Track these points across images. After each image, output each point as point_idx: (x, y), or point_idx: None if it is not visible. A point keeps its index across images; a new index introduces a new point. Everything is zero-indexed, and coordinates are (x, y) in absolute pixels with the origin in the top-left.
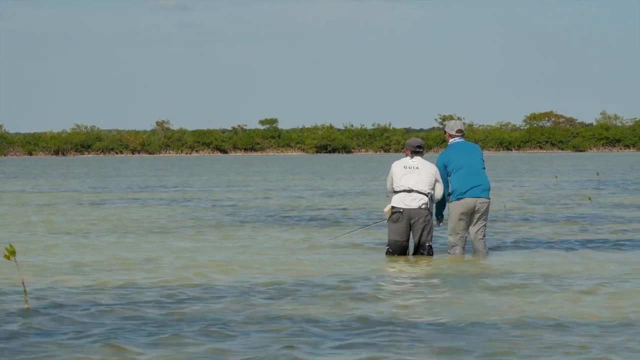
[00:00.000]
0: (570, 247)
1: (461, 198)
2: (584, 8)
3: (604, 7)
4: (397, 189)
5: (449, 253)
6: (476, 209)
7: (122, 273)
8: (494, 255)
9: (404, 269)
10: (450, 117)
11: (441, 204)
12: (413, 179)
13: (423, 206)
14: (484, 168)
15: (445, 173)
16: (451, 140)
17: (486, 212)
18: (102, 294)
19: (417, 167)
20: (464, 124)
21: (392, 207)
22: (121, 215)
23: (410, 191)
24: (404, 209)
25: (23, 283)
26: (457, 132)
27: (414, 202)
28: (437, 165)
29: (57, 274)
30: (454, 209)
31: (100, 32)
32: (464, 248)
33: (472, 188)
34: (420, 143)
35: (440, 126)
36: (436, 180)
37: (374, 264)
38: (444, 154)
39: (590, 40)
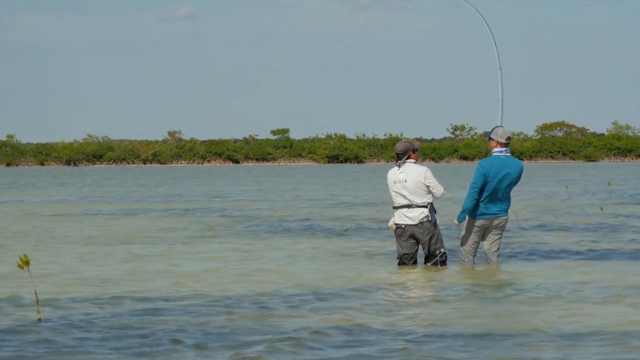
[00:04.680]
0: (583, 257)
1: (479, 218)
2: (595, 18)
3: (615, 17)
4: (396, 204)
5: (462, 260)
6: (493, 224)
7: (137, 284)
8: (506, 266)
9: (414, 279)
10: (462, 127)
11: (464, 208)
12: (406, 193)
13: (424, 219)
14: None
15: (482, 181)
16: (495, 150)
17: (503, 228)
18: (116, 305)
19: (406, 180)
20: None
21: (396, 224)
22: (138, 225)
23: (409, 206)
24: (405, 225)
25: (36, 293)
26: (506, 140)
27: (415, 216)
28: (476, 175)
29: (70, 284)
30: (471, 223)
31: (111, 41)
32: (474, 257)
33: (492, 210)
34: (402, 149)
35: (452, 136)
36: (428, 184)
37: (386, 274)
38: (486, 164)
39: (601, 49)
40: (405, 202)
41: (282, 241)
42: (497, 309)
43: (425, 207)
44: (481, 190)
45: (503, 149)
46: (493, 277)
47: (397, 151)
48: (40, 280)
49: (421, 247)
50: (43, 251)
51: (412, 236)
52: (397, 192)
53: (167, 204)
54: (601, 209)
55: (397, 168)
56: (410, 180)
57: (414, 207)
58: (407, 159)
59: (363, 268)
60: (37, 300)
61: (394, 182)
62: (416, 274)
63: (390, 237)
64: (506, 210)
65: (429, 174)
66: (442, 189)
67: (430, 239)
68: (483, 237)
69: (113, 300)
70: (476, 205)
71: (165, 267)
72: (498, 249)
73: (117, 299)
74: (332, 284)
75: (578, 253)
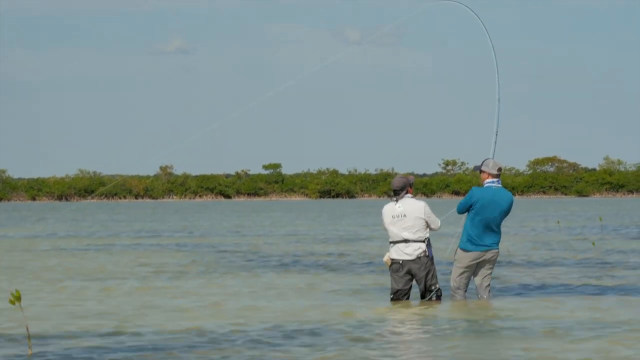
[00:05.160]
0: (574, 292)
1: (471, 250)
2: (586, 52)
3: (607, 52)
4: (392, 239)
5: (453, 295)
6: (484, 258)
7: (129, 319)
8: (497, 301)
9: (408, 315)
10: (454, 162)
11: (460, 209)
12: (404, 228)
13: (422, 254)
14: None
15: (469, 205)
16: (487, 181)
17: (494, 261)
18: (107, 340)
19: (405, 215)
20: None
21: (392, 259)
22: (131, 260)
23: (407, 241)
24: (402, 261)
25: (27, 328)
26: (498, 170)
27: (412, 252)
28: (467, 197)
29: (62, 319)
30: (462, 256)
31: (102, 77)
32: (465, 292)
33: (484, 241)
34: (401, 185)
35: (444, 171)
36: (427, 218)
37: (379, 309)
38: (476, 193)
39: (593, 85)
40: (402, 237)
41: (273, 276)
42: (490, 345)
43: (423, 241)
44: (474, 220)
45: (495, 180)
46: (485, 312)
47: (394, 187)
48: (32, 315)
49: (416, 282)
50: (33, 286)
51: (409, 272)
52: (394, 227)
53: (159, 239)
54: (593, 244)
55: (395, 203)
56: (409, 215)
57: (411, 242)
58: (405, 194)
59: (355, 304)
60: (29, 336)
61: (392, 217)
62: (410, 310)
63: (382, 272)
64: (498, 244)
65: (428, 208)
66: (439, 221)
67: (427, 274)
68: (474, 272)
69: (104, 335)
70: (469, 237)
71: (160, 302)
72: (489, 284)
73: (107, 334)
74: (325, 319)
75: (569, 288)
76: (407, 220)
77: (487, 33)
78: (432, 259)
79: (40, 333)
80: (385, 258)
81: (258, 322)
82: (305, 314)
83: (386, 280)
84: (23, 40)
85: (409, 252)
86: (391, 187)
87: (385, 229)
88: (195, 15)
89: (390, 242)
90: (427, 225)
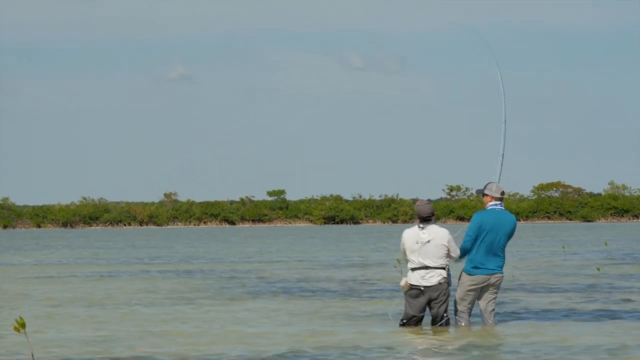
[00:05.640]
0: (579, 318)
1: (475, 274)
2: (591, 78)
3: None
4: (414, 266)
5: (458, 320)
6: (489, 282)
7: (136, 346)
8: (502, 327)
9: (417, 340)
10: (458, 188)
11: (466, 256)
12: (427, 254)
13: (442, 280)
14: (507, 241)
15: (476, 232)
16: (491, 204)
17: (498, 286)
18: None
19: (429, 241)
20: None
21: (412, 285)
22: (138, 286)
23: (428, 267)
24: (423, 287)
25: (32, 356)
26: (501, 194)
27: (433, 278)
28: (471, 225)
29: (67, 347)
30: (466, 280)
31: (106, 104)
32: (470, 316)
33: (489, 265)
34: (430, 212)
35: (448, 196)
36: (450, 246)
37: (390, 334)
38: (480, 217)
39: (597, 110)
40: (424, 263)
41: (280, 303)
42: None
43: (443, 268)
44: (478, 244)
45: (498, 202)
46: (491, 338)
47: (425, 214)
48: (36, 342)
49: (429, 307)
50: (37, 313)
51: (427, 298)
52: (416, 253)
53: (167, 265)
54: (598, 269)
55: (420, 228)
56: (432, 242)
57: (432, 269)
58: (430, 222)
59: (364, 329)
60: None
61: (415, 242)
62: (419, 335)
63: (391, 296)
64: (502, 268)
65: (451, 236)
66: (459, 250)
67: (444, 301)
68: (479, 296)
69: None
70: (473, 260)
71: (165, 327)
72: (494, 308)
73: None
74: (335, 345)
75: (575, 313)
76: (430, 247)
77: (493, 53)
78: (450, 283)
79: None
80: (403, 283)
81: (269, 346)
82: (314, 340)
83: (395, 306)
84: (28, 69)
85: (429, 278)
86: (419, 213)
87: (404, 254)
88: (199, 42)
89: (411, 268)
90: (448, 254)
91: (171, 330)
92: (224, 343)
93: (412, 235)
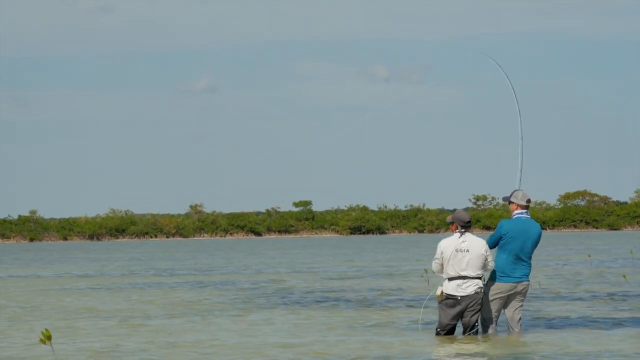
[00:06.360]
0: (606, 326)
1: (502, 281)
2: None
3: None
4: (451, 275)
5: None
6: (516, 290)
7: (162, 357)
8: (528, 336)
9: (449, 349)
10: (484, 197)
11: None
12: (466, 264)
13: (479, 290)
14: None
15: (498, 239)
16: (517, 212)
17: (525, 294)
18: None
19: (468, 250)
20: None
21: (448, 295)
22: (156, 297)
23: (465, 277)
24: (460, 297)
25: None
26: (527, 202)
27: (470, 288)
28: (496, 232)
29: (90, 358)
30: (493, 288)
31: (132, 116)
32: (496, 325)
33: (515, 273)
34: (469, 218)
35: (474, 206)
36: (488, 256)
37: (427, 344)
38: (506, 225)
39: (624, 118)
40: (462, 273)
41: (313, 312)
42: None
43: (480, 278)
44: (505, 252)
45: (524, 211)
46: (518, 347)
47: (465, 220)
48: (64, 353)
49: (462, 316)
50: (68, 326)
51: (463, 308)
52: (454, 262)
53: (193, 277)
54: (624, 277)
55: (459, 237)
56: (471, 251)
57: (470, 279)
58: (469, 229)
59: (392, 340)
60: None
61: (455, 251)
62: (447, 344)
63: (418, 306)
64: (528, 276)
65: (487, 246)
66: (493, 264)
67: (477, 311)
68: (505, 305)
69: None
70: (500, 268)
71: (190, 339)
72: (521, 317)
73: None
74: (363, 356)
75: (601, 321)
76: (469, 256)
77: (509, 80)
78: (485, 292)
79: None
80: (438, 292)
81: (302, 357)
82: (348, 349)
83: (430, 315)
84: (52, 81)
85: (467, 288)
86: (460, 219)
87: (439, 263)
88: (223, 53)
89: (447, 278)
90: (485, 264)
91: (196, 340)
92: (241, 355)
93: (452, 243)
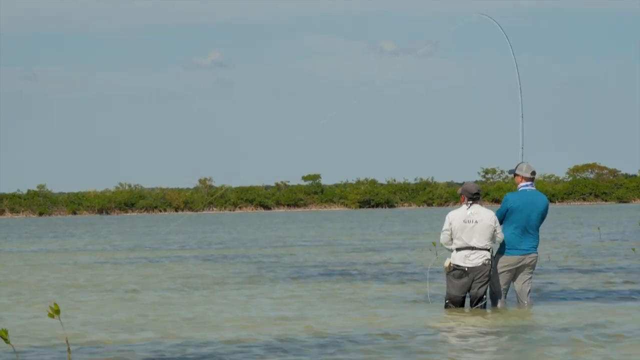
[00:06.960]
0: (615, 298)
1: (510, 254)
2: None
3: None
4: (459, 246)
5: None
6: (524, 263)
7: (170, 331)
8: (537, 307)
9: (457, 322)
10: (493, 171)
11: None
12: (474, 234)
13: (486, 262)
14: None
15: (504, 213)
16: (522, 184)
17: (533, 266)
18: (149, 352)
19: (477, 221)
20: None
21: (455, 266)
22: (165, 272)
23: (473, 248)
24: (468, 268)
25: (67, 341)
26: (531, 174)
27: (477, 259)
28: (502, 206)
29: (102, 332)
30: (501, 261)
31: (141, 90)
32: (505, 298)
33: (523, 246)
34: (479, 189)
35: (483, 179)
36: (496, 227)
37: (435, 317)
38: (512, 198)
39: (632, 91)
40: (470, 244)
41: (321, 285)
42: (538, 352)
43: (488, 250)
44: (511, 224)
45: (528, 183)
46: (527, 319)
47: (475, 191)
48: (73, 327)
49: (470, 288)
50: (77, 300)
51: (470, 279)
52: (463, 233)
53: (200, 250)
54: (633, 249)
55: (467, 208)
56: (480, 222)
57: (477, 250)
58: (477, 201)
59: (401, 312)
60: (69, 349)
61: (464, 222)
62: (456, 317)
63: (429, 279)
64: (536, 248)
65: (496, 217)
66: (502, 236)
67: (485, 283)
68: (514, 277)
69: (141, 346)
70: (507, 241)
71: (197, 313)
72: (530, 289)
73: (151, 345)
74: (375, 329)
75: (611, 294)
76: (478, 227)
77: (513, 55)
78: (492, 265)
79: (80, 345)
80: (447, 263)
81: (314, 333)
82: (358, 322)
83: (440, 290)
84: (62, 55)
85: (474, 259)
86: (468, 190)
87: (448, 234)
88: (232, 28)
89: (455, 249)
90: (494, 235)
91: (207, 315)
92: (253, 327)
93: (460, 214)
